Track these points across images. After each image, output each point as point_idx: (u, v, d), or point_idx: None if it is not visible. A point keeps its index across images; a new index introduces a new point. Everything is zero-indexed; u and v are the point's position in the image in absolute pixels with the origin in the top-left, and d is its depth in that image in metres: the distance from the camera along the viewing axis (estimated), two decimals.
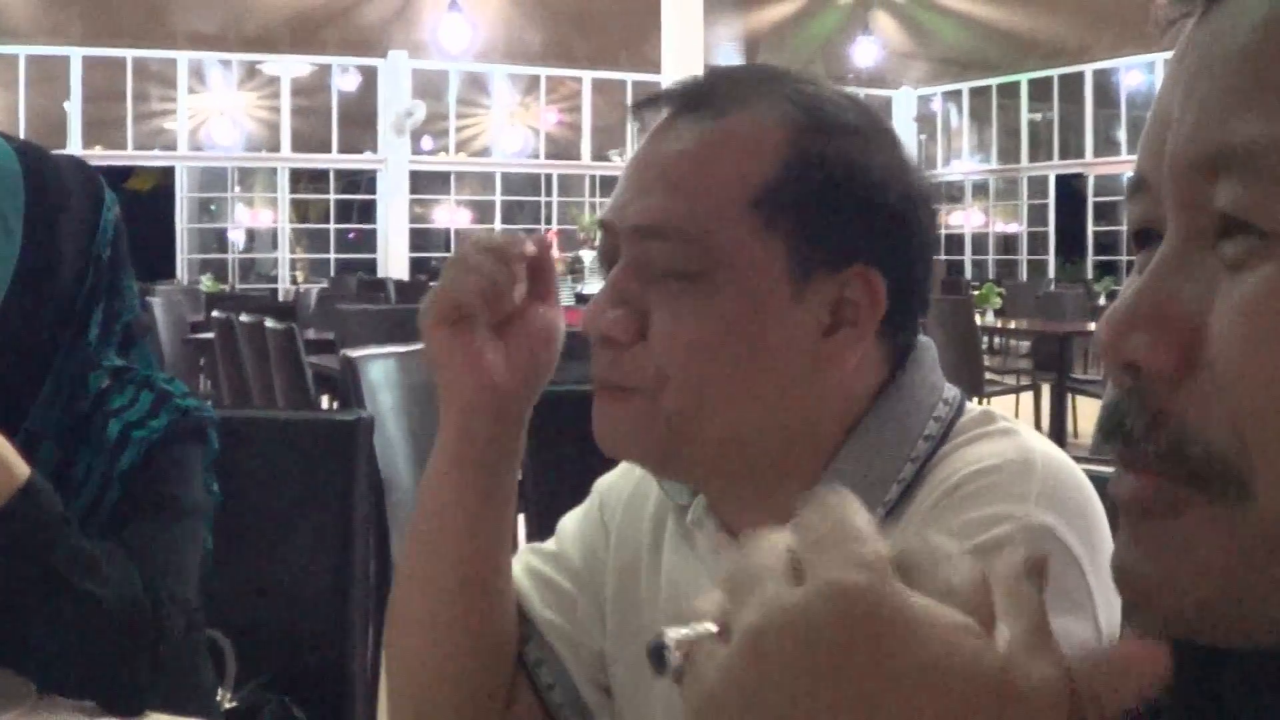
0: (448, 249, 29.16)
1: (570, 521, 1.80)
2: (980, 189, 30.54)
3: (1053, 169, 28.39)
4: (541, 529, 2.19)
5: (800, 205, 1.41)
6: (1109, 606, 1.30)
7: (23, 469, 2.01)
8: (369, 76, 27.29)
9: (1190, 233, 0.71)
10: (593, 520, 1.76)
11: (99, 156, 24.48)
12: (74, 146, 24.76)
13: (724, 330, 1.39)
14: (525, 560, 1.75)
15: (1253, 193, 0.67)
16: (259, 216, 29.16)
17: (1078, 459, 1.45)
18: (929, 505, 1.38)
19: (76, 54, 25.35)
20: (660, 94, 1.49)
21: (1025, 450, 1.39)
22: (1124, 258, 26.94)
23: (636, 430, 1.43)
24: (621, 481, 1.75)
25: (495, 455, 1.56)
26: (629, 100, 23.79)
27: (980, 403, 8.15)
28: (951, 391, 1.51)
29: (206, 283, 21.00)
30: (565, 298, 15.24)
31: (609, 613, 1.70)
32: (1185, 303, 0.70)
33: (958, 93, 30.41)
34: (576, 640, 1.70)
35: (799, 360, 1.43)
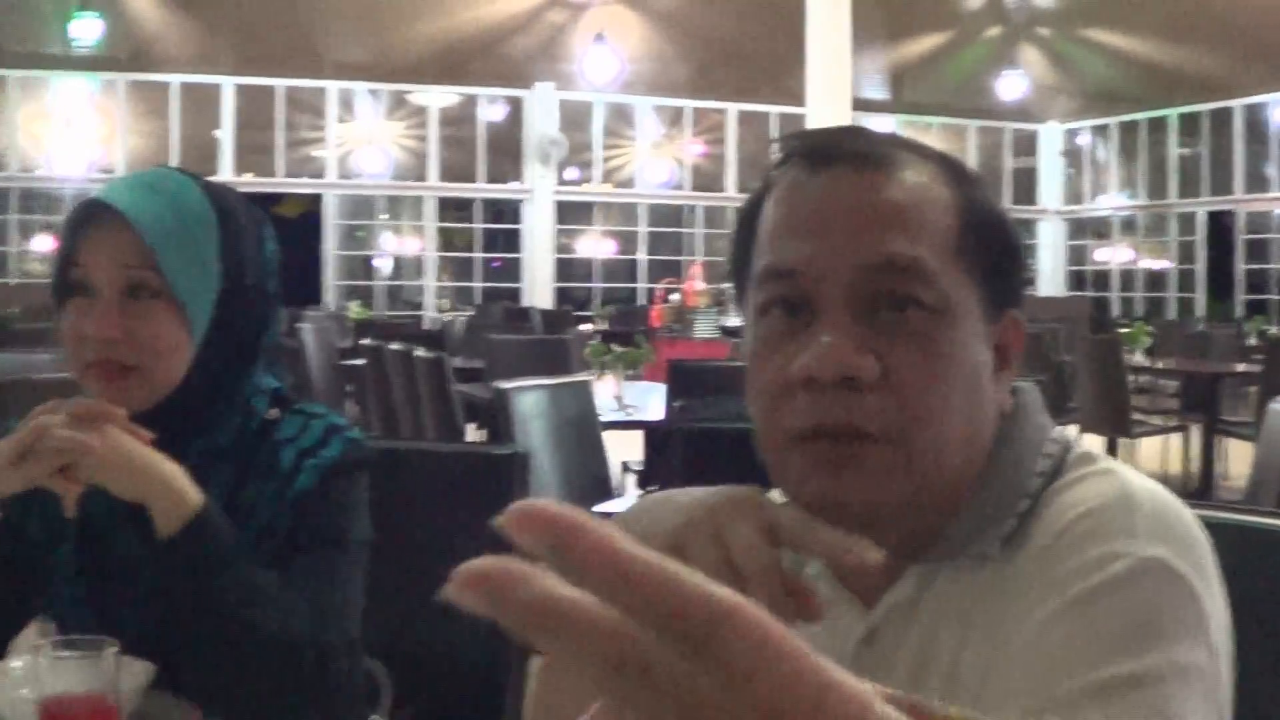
0: (591, 279, 29.24)
1: None
2: (1128, 225, 30.14)
3: (1202, 205, 27.91)
4: None
5: (981, 250, 1.47)
6: (1221, 630, 1.36)
7: (196, 497, 2.06)
8: (515, 107, 27.46)
9: None
10: None
11: (249, 183, 24.80)
12: (225, 173, 25.13)
13: (958, 369, 1.43)
14: None
15: None
16: (405, 244, 29.38)
17: (1228, 505, 1.48)
18: (1038, 551, 1.41)
19: (228, 82, 25.73)
20: (832, 149, 1.49)
21: (1126, 487, 1.43)
22: (1275, 297, 26.50)
23: (885, 479, 1.41)
24: None
25: None
26: (773, 132, 23.70)
27: (1129, 444, 8.06)
28: (1059, 431, 1.56)
29: (354, 310, 21.16)
30: (710, 331, 15.27)
31: None
32: None
33: (1105, 127, 30.03)
34: None
35: (989, 400, 1.49)
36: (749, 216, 1.54)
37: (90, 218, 2.19)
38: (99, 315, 2.16)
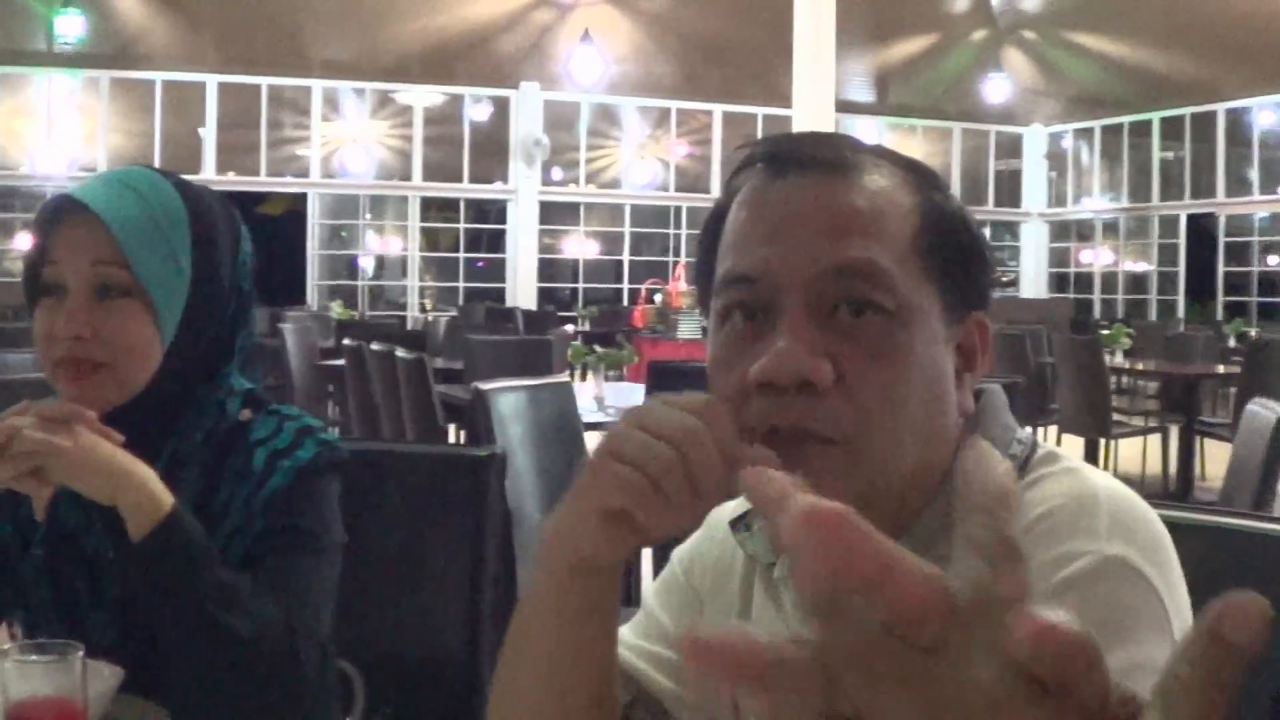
0: (575, 280, 29.26)
1: (653, 595, 1.80)
2: (1110, 227, 30.22)
3: (1184, 208, 28.00)
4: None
5: (942, 254, 1.46)
6: (1185, 629, 1.35)
7: (166, 499, 2.04)
8: (501, 107, 27.46)
9: None
10: (680, 587, 1.77)
11: (232, 182, 24.79)
12: (208, 172, 25.10)
13: (915, 371, 1.42)
14: (625, 641, 1.68)
15: None
16: (389, 244, 29.39)
17: (1203, 506, 1.48)
18: None
19: (212, 80, 25.69)
20: (794, 155, 1.49)
21: (1088, 486, 1.43)
22: (1255, 299, 26.57)
23: (834, 480, 1.37)
24: (705, 546, 1.76)
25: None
26: (759, 134, 23.91)
27: (1108, 444, 8.05)
28: (1024, 432, 1.56)
29: (336, 309, 21.12)
30: (693, 331, 15.27)
31: None
32: None
33: (1089, 130, 30.09)
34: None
35: (951, 402, 1.48)
36: (714, 223, 1.53)
37: (61, 215, 2.18)
38: (68, 312, 2.16)
